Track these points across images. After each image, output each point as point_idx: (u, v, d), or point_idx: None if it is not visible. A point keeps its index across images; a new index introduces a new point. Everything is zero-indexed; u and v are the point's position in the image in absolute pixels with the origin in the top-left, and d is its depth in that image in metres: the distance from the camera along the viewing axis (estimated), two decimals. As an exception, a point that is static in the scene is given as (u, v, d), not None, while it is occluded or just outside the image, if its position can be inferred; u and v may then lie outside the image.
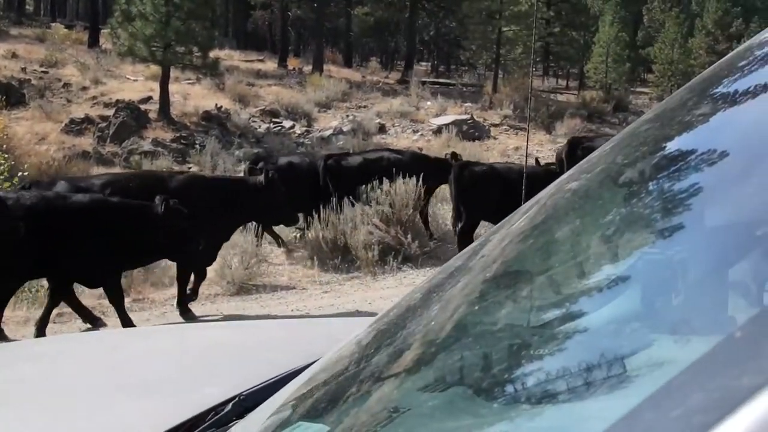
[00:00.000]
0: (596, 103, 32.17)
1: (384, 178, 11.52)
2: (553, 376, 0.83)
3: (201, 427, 1.38)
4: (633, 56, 40.12)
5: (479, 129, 24.80)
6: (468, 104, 28.48)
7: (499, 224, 1.41)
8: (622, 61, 36.77)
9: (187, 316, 8.36)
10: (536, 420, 0.81)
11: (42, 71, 24.83)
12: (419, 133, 23.98)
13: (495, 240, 1.31)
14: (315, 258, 9.63)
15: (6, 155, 14.04)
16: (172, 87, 23.00)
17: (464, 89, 33.28)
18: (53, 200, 7.56)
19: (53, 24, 39.13)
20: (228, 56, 32.11)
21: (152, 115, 21.59)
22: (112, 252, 7.58)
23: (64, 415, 1.56)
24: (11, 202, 7.29)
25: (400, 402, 1.03)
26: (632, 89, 40.61)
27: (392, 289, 9.31)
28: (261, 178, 9.15)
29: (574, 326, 0.91)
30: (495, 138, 24.37)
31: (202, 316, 8.30)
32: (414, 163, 12.41)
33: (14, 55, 26.08)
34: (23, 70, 24.47)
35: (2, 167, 12.74)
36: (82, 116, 20.86)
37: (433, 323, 1.16)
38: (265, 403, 1.31)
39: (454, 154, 13.16)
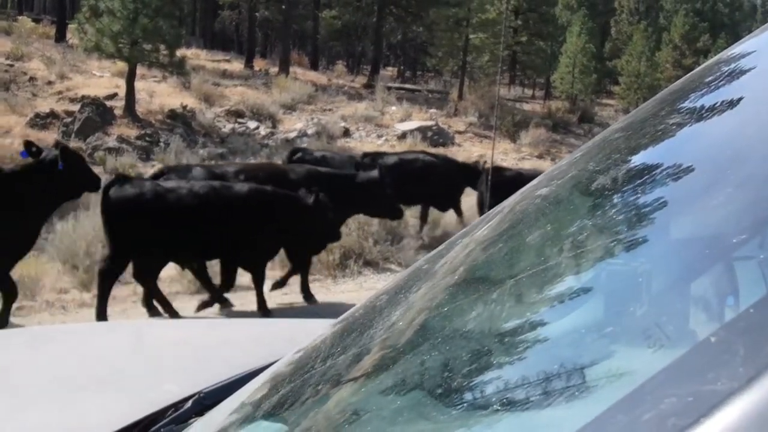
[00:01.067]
0: (562, 114, 32.48)
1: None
2: (513, 383, 0.82)
3: (160, 424, 1.36)
4: (599, 68, 40.44)
5: (444, 135, 24.92)
6: (433, 110, 28.61)
7: (465, 229, 1.41)
8: (588, 72, 36.97)
9: (311, 300, 8.84)
10: (495, 427, 0.80)
11: (8, 64, 24.42)
12: (383, 138, 24.01)
13: (461, 245, 1.30)
14: (275, 259, 9.56)
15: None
16: (138, 84, 22.77)
17: (430, 95, 33.42)
18: (221, 189, 7.95)
19: (20, 17, 38.50)
20: (195, 55, 31.88)
21: (117, 112, 21.34)
22: (272, 239, 8.11)
23: (21, 408, 1.52)
24: (184, 191, 7.73)
25: (360, 404, 1.02)
26: (598, 101, 41.05)
27: (352, 293, 9.30)
28: (374, 172, 9.48)
29: (536, 335, 0.91)
30: (459, 145, 24.51)
31: (162, 315, 8.21)
32: (447, 166, 12.51)
33: (-22, 48, 25.64)
34: (-11, 64, 24.07)
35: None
36: (48, 111, 20.55)
37: (394, 327, 1.15)
38: (225, 401, 1.29)
39: (478, 162, 13.30)
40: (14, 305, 7.83)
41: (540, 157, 24.27)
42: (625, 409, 0.63)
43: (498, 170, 11.54)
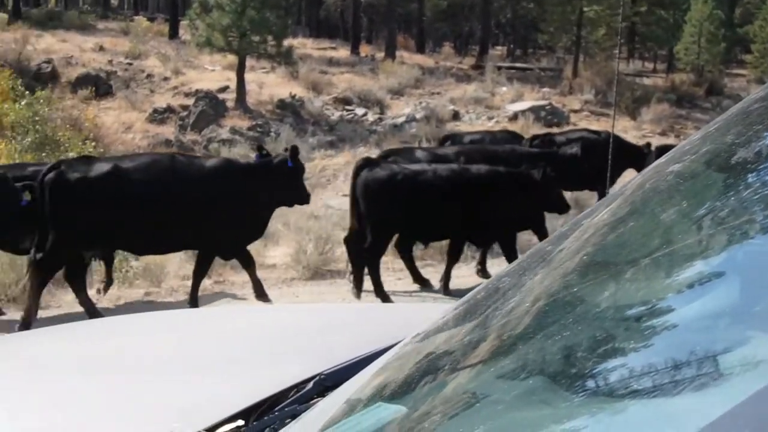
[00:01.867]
0: (687, 87, 30.98)
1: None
2: (639, 371, 0.80)
3: (284, 403, 1.41)
4: (729, 35, 37.98)
5: (558, 115, 24.40)
6: (546, 89, 28.07)
7: (590, 209, 1.37)
8: (716, 41, 34.69)
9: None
10: (620, 415, 0.79)
11: (127, 63, 25.53)
12: (494, 120, 23.76)
13: (586, 225, 1.27)
14: (389, 245, 9.63)
15: (95, 143, 14.61)
16: (248, 76, 23.35)
17: (542, 74, 32.76)
18: (463, 171, 8.43)
19: (136, 17, 40.12)
20: (301, 44, 32.39)
21: (229, 104, 21.98)
22: (516, 216, 8.45)
23: (150, 390, 1.60)
24: (433, 173, 8.22)
25: (479, 389, 1.02)
26: (727, 71, 38.91)
27: (466, 278, 9.25)
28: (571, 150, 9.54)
29: (666, 320, 0.88)
30: (575, 124, 23.95)
31: (280, 300, 8.42)
32: (612, 144, 12.10)
33: (101, 48, 26.88)
34: (110, 62, 25.21)
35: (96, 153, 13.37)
36: (165, 106, 21.42)
37: (515, 311, 1.14)
38: (346, 383, 1.32)
39: (648, 145, 12.74)
40: (142, 292, 8.40)
41: (663, 134, 23.39)
42: (763, 401, 0.60)
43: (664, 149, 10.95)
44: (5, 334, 6.01)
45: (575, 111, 25.62)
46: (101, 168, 7.45)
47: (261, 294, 8.16)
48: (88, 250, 7.71)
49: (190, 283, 8.18)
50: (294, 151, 8.23)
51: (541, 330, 1.05)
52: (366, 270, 8.29)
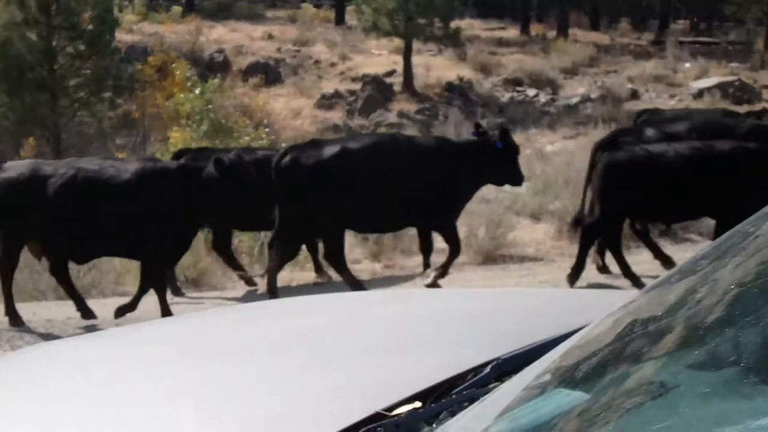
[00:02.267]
0: None
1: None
2: None
3: (461, 386, 1.43)
4: None
5: (749, 92, 22.97)
6: (734, 64, 26.51)
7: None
8: None
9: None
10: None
11: (295, 50, 26.43)
12: (676, 98, 22.74)
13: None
14: (564, 230, 9.48)
15: (267, 129, 15.31)
16: (415, 59, 23.54)
17: (730, 48, 30.94)
18: (706, 148, 8.23)
19: (303, 4, 41.36)
20: (469, 26, 32.24)
21: (396, 88, 22.27)
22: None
23: (326, 370, 1.66)
24: (674, 152, 8.03)
25: (667, 379, 1.00)
26: None
27: (646, 265, 8.94)
28: None
29: None
30: (768, 102, 22.51)
31: (451, 285, 8.48)
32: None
33: (270, 37, 27.99)
34: (278, 50, 26.21)
35: (264, 141, 14.01)
36: (332, 91, 22.03)
37: (706, 299, 1.10)
38: (526, 368, 1.33)
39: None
40: (313, 275, 8.88)
41: None
42: None
43: None
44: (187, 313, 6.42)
45: (768, 87, 24.05)
46: (331, 150, 7.92)
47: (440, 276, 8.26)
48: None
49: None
50: (504, 131, 8.50)
51: (737, 319, 1.01)
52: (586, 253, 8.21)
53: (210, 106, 16.35)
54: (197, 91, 16.65)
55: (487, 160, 8.16)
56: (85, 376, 1.81)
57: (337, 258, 8.16)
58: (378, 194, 7.85)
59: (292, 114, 20.97)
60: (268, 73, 23.65)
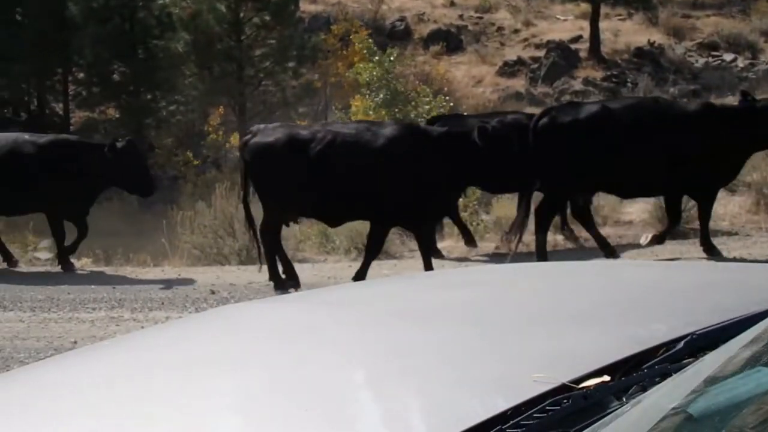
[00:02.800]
0: None
1: None
2: None
3: (653, 361, 1.40)
4: None
5: None
6: None
7: None
8: None
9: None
10: None
11: (477, 17, 26.27)
12: None
13: None
14: (762, 203, 8.95)
15: (447, 98, 15.40)
16: (602, 24, 22.81)
17: None
18: None
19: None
20: (662, -13, 30.82)
21: (582, 54, 21.70)
22: None
23: (512, 339, 1.66)
24: None
25: None
26: None
27: None
28: None
29: None
30: None
31: (637, 258, 8.25)
32: None
33: (452, 4, 27.92)
34: (460, 17, 26.13)
35: (443, 109, 14.13)
36: (515, 58, 21.78)
37: None
38: (724, 345, 1.27)
39: None
40: (492, 245, 8.81)
41: None
42: None
43: None
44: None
45: None
46: (591, 110, 7.94)
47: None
48: (583, 192, 8.18)
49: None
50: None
51: None
52: None
53: (389, 74, 16.60)
54: (375, 60, 16.93)
55: (751, 127, 7.79)
56: (268, 337, 1.90)
57: (585, 216, 8.20)
58: (640, 157, 7.66)
59: (473, 82, 20.93)
60: (450, 41, 23.68)
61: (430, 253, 7.56)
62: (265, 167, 7.40)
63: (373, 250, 7.60)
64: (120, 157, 8.87)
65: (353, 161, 7.14)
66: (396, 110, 15.38)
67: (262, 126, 8.20)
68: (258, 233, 7.68)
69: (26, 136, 9.76)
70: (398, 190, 7.10)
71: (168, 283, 8.01)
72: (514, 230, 8.03)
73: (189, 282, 8.06)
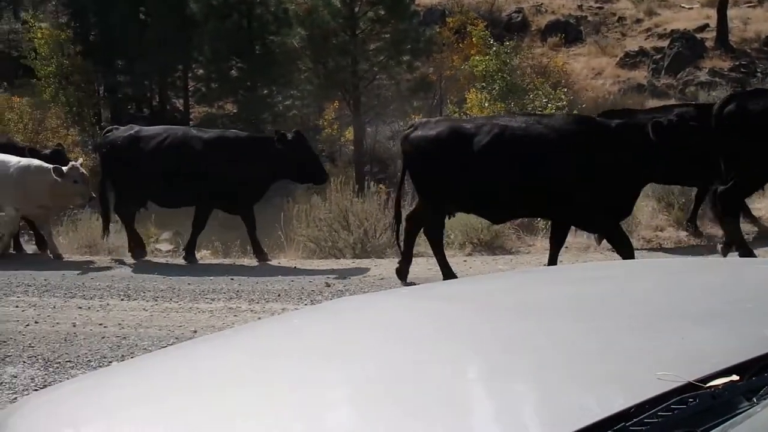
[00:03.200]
0: None
1: None
2: None
3: None
4: None
5: None
6: None
7: None
8: None
9: None
10: None
11: (597, 7, 25.72)
12: None
13: None
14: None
15: (565, 90, 15.15)
16: (731, 12, 21.96)
17: None
18: None
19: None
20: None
21: (708, 44, 20.92)
22: None
23: (636, 336, 1.63)
24: None
25: None
26: None
27: None
28: None
29: None
30: None
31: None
32: None
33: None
34: (579, 7, 25.66)
35: (563, 102, 13.91)
36: (636, 49, 21.21)
37: None
38: None
39: None
40: None
41: None
42: None
43: None
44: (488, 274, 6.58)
45: None
46: None
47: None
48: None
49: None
50: None
51: None
52: None
53: (505, 67, 16.46)
54: (491, 52, 16.82)
55: None
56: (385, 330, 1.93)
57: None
58: None
59: (592, 74, 20.52)
60: (568, 32, 23.28)
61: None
62: (428, 161, 7.21)
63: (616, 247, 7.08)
64: (290, 148, 9.01)
65: (524, 155, 6.80)
66: (512, 103, 15.24)
67: (423, 119, 8.14)
68: (397, 228, 7.69)
69: (194, 131, 10.04)
70: (575, 185, 6.70)
71: (284, 276, 8.19)
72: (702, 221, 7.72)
73: (305, 274, 8.21)
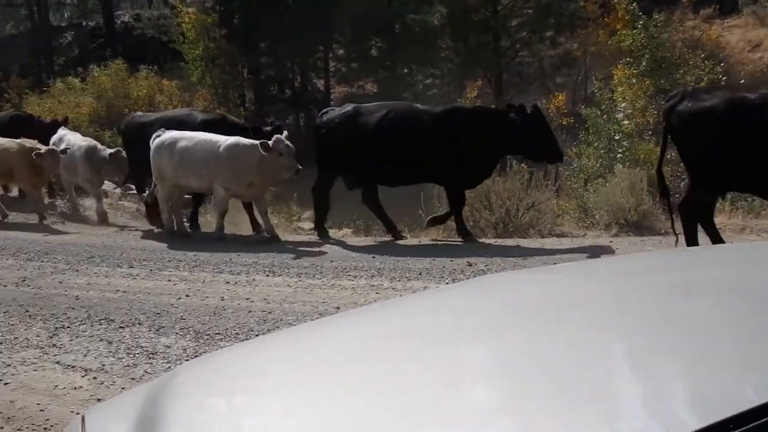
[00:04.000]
0: None
1: None
2: None
3: None
4: None
5: None
6: None
7: None
8: None
9: None
10: None
11: (754, -26, 24.47)
12: None
13: None
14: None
15: (721, 64, 14.50)
16: None
17: None
18: None
19: None
20: None
21: None
22: None
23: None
24: None
25: None
26: None
27: None
28: None
29: None
30: None
31: None
32: None
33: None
34: (735, -25, 24.48)
35: (717, 75, 13.31)
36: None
37: None
38: None
39: None
40: None
41: None
42: None
43: None
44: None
45: None
46: None
47: None
48: None
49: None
50: None
51: None
52: None
53: (655, 40, 15.88)
54: (639, 25, 16.26)
55: None
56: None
57: None
58: None
59: (749, 47, 19.52)
60: (723, 3, 22.23)
61: None
62: (700, 135, 6.67)
63: None
64: (528, 123, 8.63)
65: None
66: (662, 79, 14.70)
67: (689, 88, 7.66)
68: (667, 202, 7.40)
69: (419, 106, 9.79)
70: None
71: (425, 254, 8.24)
72: None
73: (446, 253, 8.23)
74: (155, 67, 23.83)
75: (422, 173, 9.28)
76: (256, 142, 9.18)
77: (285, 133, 9.41)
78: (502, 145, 8.83)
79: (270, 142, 9.07)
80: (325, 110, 10.42)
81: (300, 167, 9.15)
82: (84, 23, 36.75)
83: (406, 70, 21.13)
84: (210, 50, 24.22)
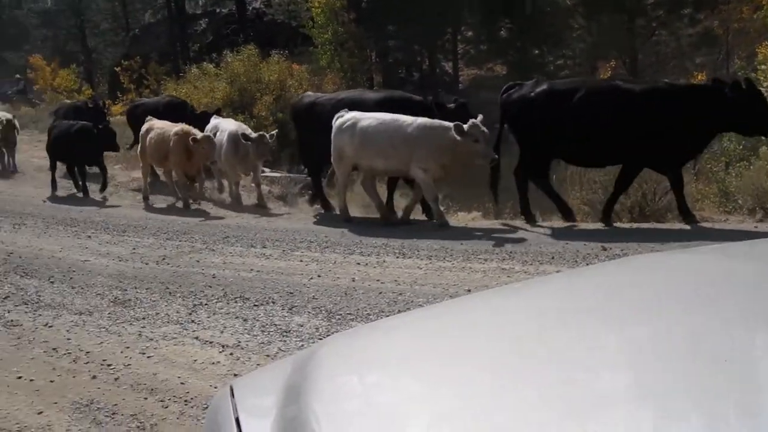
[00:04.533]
0: None
1: None
2: None
3: None
4: None
5: None
6: None
7: None
8: None
9: None
10: None
11: None
12: None
13: None
14: None
15: None
16: None
17: None
18: None
19: None
20: None
21: None
22: None
23: None
24: None
25: None
26: None
27: None
28: None
29: None
30: None
31: None
32: None
33: None
34: None
35: None
36: None
37: None
38: None
39: None
40: None
41: None
42: None
43: None
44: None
45: None
46: None
47: None
48: None
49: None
50: None
51: None
52: None
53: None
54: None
55: None
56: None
57: None
58: None
59: None
60: None
61: None
62: None
63: None
64: (742, 97, 8.14)
65: None
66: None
67: None
68: None
69: (618, 83, 9.35)
70: None
71: (558, 238, 8.10)
72: None
73: (580, 237, 8.06)
74: (286, 51, 24.32)
75: (621, 153, 8.83)
76: (448, 123, 8.90)
77: (480, 117, 9.07)
78: (712, 122, 8.38)
79: (466, 126, 8.77)
80: (509, 85, 9.89)
81: (496, 156, 8.85)
82: (217, 10, 37.96)
83: (536, 51, 20.79)
84: (339, 34, 24.54)
